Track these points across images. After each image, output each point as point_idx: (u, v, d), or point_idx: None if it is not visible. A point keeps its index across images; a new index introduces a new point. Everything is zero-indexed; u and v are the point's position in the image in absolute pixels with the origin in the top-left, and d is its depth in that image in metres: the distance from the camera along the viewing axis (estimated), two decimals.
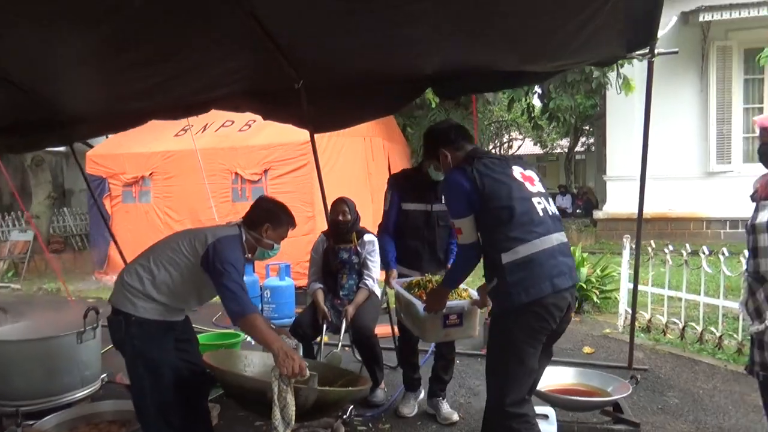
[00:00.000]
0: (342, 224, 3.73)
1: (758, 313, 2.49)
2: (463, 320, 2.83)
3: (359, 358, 3.82)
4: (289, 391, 2.28)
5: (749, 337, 2.69)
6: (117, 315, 2.50)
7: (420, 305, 2.75)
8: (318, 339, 3.71)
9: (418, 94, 3.77)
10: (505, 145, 26.35)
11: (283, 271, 6.07)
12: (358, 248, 3.75)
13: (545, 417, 2.61)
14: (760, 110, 10.31)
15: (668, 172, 9.88)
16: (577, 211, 14.33)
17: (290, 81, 3.78)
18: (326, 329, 3.67)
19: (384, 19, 3.01)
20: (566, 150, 26.02)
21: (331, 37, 3.29)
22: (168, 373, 2.50)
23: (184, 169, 8.36)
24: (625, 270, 5.19)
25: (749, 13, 9.22)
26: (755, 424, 3.18)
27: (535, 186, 2.45)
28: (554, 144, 28.85)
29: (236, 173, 8.05)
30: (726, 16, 9.51)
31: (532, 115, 12.57)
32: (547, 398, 2.83)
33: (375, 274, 3.77)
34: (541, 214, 2.37)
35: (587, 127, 20.53)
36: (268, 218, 2.68)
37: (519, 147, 28.68)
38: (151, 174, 8.60)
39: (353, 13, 2.97)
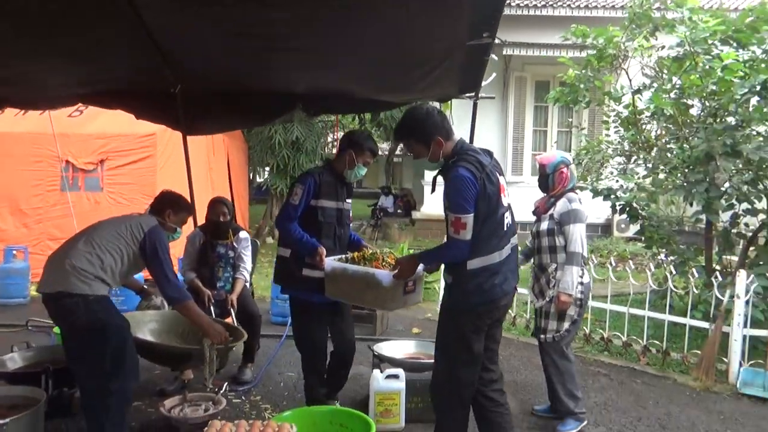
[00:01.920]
0: (222, 224, 4.12)
1: (542, 293, 3.52)
2: (416, 286, 2.95)
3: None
4: (213, 350, 3.13)
5: (535, 312, 3.72)
6: (72, 297, 2.70)
7: (385, 274, 2.83)
8: None
9: (289, 110, 4.28)
10: (329, 145, 27.39)
11: None
12: (234, 244, 4.17)
13: (396, 377, 3.35)
14: (545, 132, 12.49)
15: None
16: (398, 211, 15.70)
17: (167, 85, 4.05)
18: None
19: (264, 45, 3.49)
20: (386, 153, 27.94)
21: (212, 51, 3.65)
22: (130, 336, 2.88)
23: (1, 152, 7.70)
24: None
25: (540, 52, 11.11)
26: (538, 378, 4.28)
27: (506, 196, 2.66)
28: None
29: (67, 161, 7.64)
30: (523, 52, 11.34)
31: (363, 121, 13.56)
32: (398, 363, 3.58)
33: (249, 266, 4.23)
34: (505, 228, 2.61)
35: None
36: (170, 205, 3.17)
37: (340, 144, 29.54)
38: None
39: (237, 35, 3.40)
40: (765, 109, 4.60)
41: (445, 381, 2.72)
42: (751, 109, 4.77)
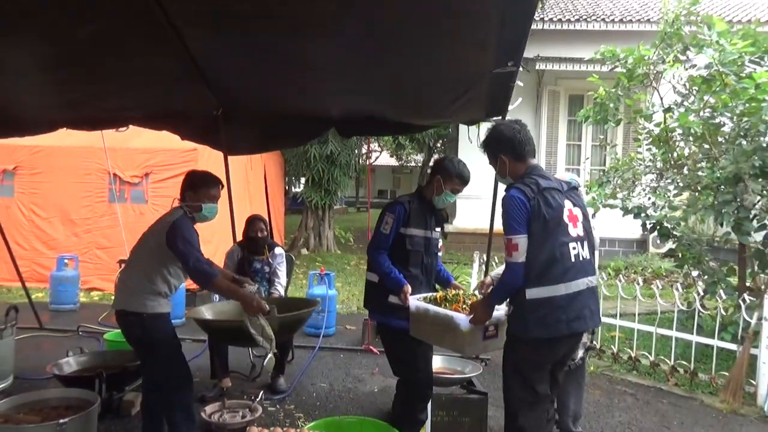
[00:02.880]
0: (260, 240, 4.35)
1: None
2: (498, 331, 2.79)
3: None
4: (262, 320, 3.09)
5: None
6: (129, 315, 2.94)
7: (462, 318, 2.70)
8: None
9: (324, 131, 4.51)
10: (363, 156, 27.80)
11: None
12: (270, 259, 4.40)
13: None
14: (578, 146, 12.47)
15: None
16: None
17: (211, 108, 4.32)
18: None
19: (300, 73, 3.73)
20: (420, 165, 28.06)
21: (252, 78, 3.91)
22: (177, 349, 3.08)
23: (53, 165, 8.17)
24: (474, 279, 6.35)
25: (573, 66, 11.13)
26: None
27: (577, 227, 2.53)
28: (409, 158, 30.88)
29: (114, 174, 8.05)
30: (556, 67, 11.39)
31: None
32: None
33: (284, 281, 4.45)
34: (573, 259, 2.46)
35: (440, 144, 22.51)
36: (189, 187, 3.15)
37: (376, 158, 30.01)
38: (15, 168, 8.26)
39: (275, 63, 3.64)
40: None
41: (506, 422, 2.63)
42: None
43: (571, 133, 12.39)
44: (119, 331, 5.04)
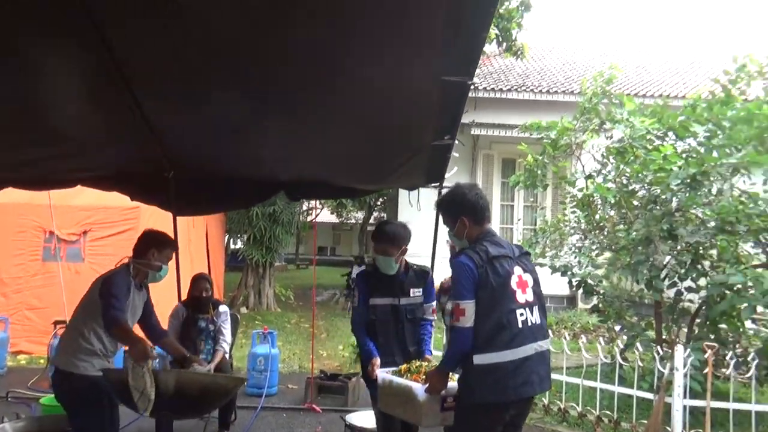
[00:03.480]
0: (205, 299, 4.44)
1: None
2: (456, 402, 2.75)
3: None
4: (147, 374, 2.76)
5: None
6: (59, 373, 2.98)
7: (419, 388, 2.72)
8: None
9: (273, 195, 4.73)
10: (304, 213, 27.99)
11: None
12: (214, 318, 4.49)
13: None
14: (511, 207, 13.16)
15: (446, 252, 11.99)
16: None
17: (162, 170, 4.47)
18: None
19: (254, 142, 3.98)
20: (360, 222, 28.52)
21: (206, 144, 4.12)
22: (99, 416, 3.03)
23: None
24: None
25: (505, 132, 11.90)
26: None
27: (526, 293, 2.59)
28: (349, 215, 31.32)
29: (51, 232, 7.89)
30: (490, 132, 12.16)
31: None
32: None
33: (229, 339, 4.53)
34: (520, 326, 2.51)
35: (380, 203, 23.06)
36: (154, 244, 3.25)
37: (316, 215, 30.18)
38: None
39: (231, 132, 3.88)
40: (696, 198, 5.18)
41: None
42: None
43: (504, 194, 13.06)
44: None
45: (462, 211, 2.76)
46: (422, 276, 3.47)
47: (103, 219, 7.93)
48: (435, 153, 3.98)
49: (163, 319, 4.72)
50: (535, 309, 2.63)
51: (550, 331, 5.83)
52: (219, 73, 3.10)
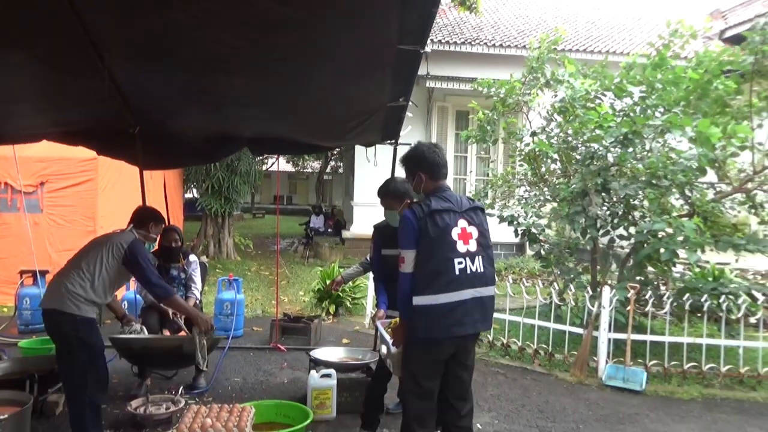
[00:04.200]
0: (175, 249, 4.70)
1: None
2: None
3: None
4: (204, 339, 3.81)
5: None
6: (62, 315, 3.21)
7: (390, 341, 3.04)
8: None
9: (237, 150, 4.95)
10: (260, 162, 27.85)
11: None
12: (185, 267, 4.76)
13: (329, 376, 4.06)
14: (465, 158, 13.61)
15: None
16: (329, 230, 16.39)
17: (128, 126, 4.62)
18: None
19: (218, 101, 4.18)
20: (317, 171, 28.65)
21: (171, 101, 4.30)
22: (101, 357, 3.36)
23: None
24: (371, 282, 7.00)
25: (459, 85, 12.21)
26: None
27: (468, 244, 2.82)
28: (306, 164, 31.34)
29: (6, 183, 7.86)
30: (445, 85, 12.43)
31: None
32: (330, 364, 4.27)
33: (199, 287, 4.83)
34: (457, 273, 2.76)
35: (336, 152, 23.18)
36: (152, 219, 3.82)
37: (272, 164, 30.04)
38: None
39: (195, 92, 4.08)
40: (627, 155, 5.69)
41: (403, 415, 2.96)
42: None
43: (458, 146, 13.45)
44: (33, 339, 5.23)
45: (420, 167, 2.98)
46: None
47: (59, 170, 7.90)
48: (390, 113, 4.29)
49: None
50: (478, 259, 2.85)
51: (497, 276, 6.38)
52: (184, 38, 3.28)
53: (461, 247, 2.81)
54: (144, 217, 3.81)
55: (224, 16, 2.95)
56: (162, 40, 3.34)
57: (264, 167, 27.35)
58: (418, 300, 2.77)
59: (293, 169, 33.50)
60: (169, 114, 4.50)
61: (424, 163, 2.98)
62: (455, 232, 2.81)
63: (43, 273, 6.65)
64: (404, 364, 2.93)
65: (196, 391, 4.50)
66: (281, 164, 31.43)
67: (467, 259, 2.81)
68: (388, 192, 3.68)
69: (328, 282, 7.62)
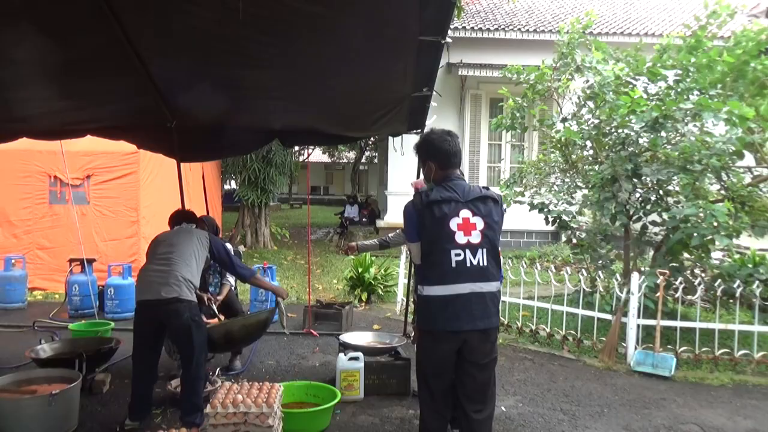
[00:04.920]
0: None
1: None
2: None
3: None
4: (282, 306, 4.27)
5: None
6: (182, 302, 3.53)
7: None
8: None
9: (268, 142, 5.13)
10: (296, 153, 28.24)
11: (126, 271, 6.80)
12: None
13: (356, 359, 4.20)
14: (499, 146, 13.55)
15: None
16: (363, 219, 16.56)
17: (165, 120, 4.84)
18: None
19: (249, 94, 4.35)
20: (353, 161, 28.84)
21: (204, 96, 4.48)
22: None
23: None
24: (402, 270, 7.13)
25: (493, 73, 12.12)
26: None
27: (471, 235, 2.68)
28: (341, 155, 31.59)
29: (55, 177, 8.27)
30: (477, 73, 12.38)
31: None
32: (358, 348, 4.42)
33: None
34: (453, 265, 2.65)
35: (371, 142, 23.33)
36: (195, 217, 4.35)
37: (309, 154, 30.13)
38: None
39: (227, 87, 4.25)
40: (657, 140, 5.62)
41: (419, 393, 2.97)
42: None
43: (492, 133, 13.39)
44: (82, 322, 5.56)
45: (429, 156, 2.89)
46: None
47: (104, 164, 8.27)
48: (415, 103, 4.37)
49: None
50: (481, 251, 2.69)
51: (533, 263, 6.37)
52: (215, 34, 3.44)
53: (460, 238, 2.67)
54: (192, 216, 4.30)
55: (253, 13, 3.08)
56: (194, 37, 3.52)
57: (300, 158, 27.80)
58: (420, 290, 2.77)
59: (329, 160, 33.83)
60: (203, 108, 4.69)
61: (433, 152, 2.89)
62: (454, 223, 2.68)
63: (91, 261, 6.99)
64: (416, 362, 2.94)
65: (231, 372, 4.71)
66: (317, 155, 31.88)
67: (467, 251, 2.67)
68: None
69: (360, 270, 7.79)
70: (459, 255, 2.66)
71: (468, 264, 2.67)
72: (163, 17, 3.34)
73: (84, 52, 3.71)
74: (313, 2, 3.02)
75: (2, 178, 8.25)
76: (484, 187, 2.87)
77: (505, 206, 2.99)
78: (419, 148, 3.01)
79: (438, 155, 2.86)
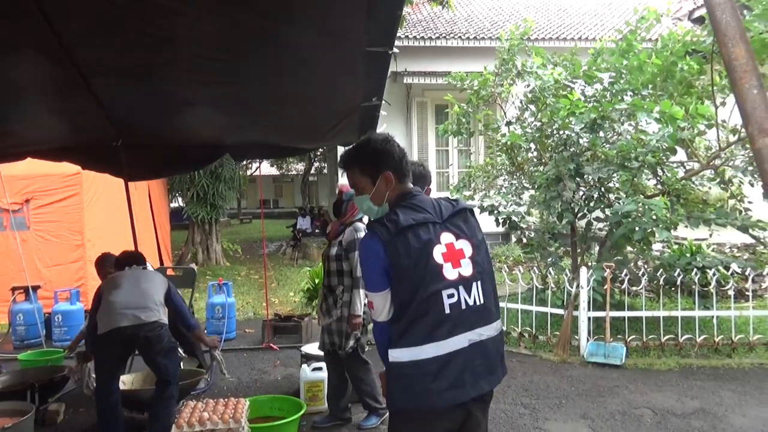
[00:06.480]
0: None
1: (329, 312, 3.86)
2: None
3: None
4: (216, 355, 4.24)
5: (322, 329, 3.97)
6: (162, 327, 3.61)
7: None
8: None
9: (218, 157, 5.08)
10: (244, 167, 27.90)
11: (74, 296, 6.56)
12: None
13: (320, 369, 4.21)
14: (446, 152, 13.80)
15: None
16: (316, 231, 16.53)
17: (111, 139, 4.73)
18: None
19: (199, 110, 4.31)
20: (302, 173, 28.70)
21: (152, 113, 4.42)
22: None
23: None
24: None
25: (437, 80, 12.36)
26: None
27: (460, 266, 1.95)
28: (290, 167, 31.42)
29: None
30: (422, 80, 12.61)
31: None
32: (320, 358, 4.39)
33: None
34: (447, 310, 1.90)
35: (320, 153, 23.32)
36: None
37: (256, 169, 29.99)
38: None
39: (175, 104, 4.21)
40: (597, 140, 5.89)
41: None
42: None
43: (438, 139, 13.62)
44: (31, 352, 5.34)
45: (383, 165, 2.06)
46: None
47: (43, 187, 7.98)
48: (365, 113, 4.43)
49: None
50: (475, 285, 1.98)
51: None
52: (161, 51, 3.41)
53: (449, 272, 1.93)
54: (142, 259, 4.16)
55: (199, 29, 3.08)
56: (139, 54, 3.47)
57: (248, 172, 27.45)
58: (394, 354, 1.92)
59: (278, 173, 33.54)
60: (151, 126, 4.61)
61: (385, 158, 2.07)
62: (438, 252, 1.93)
63: (35, 288, 6.72)
64: None
65: (193, 392, 4.63)
66: (266, 168, 31.57)
67: (460, 288, 1.94)
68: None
69: (317, 281, 7.76)
70: (452, 296, 1.93)
71: (464, 306, 1.95)
72: (105, 35, 3.28)
73: (21, 71, 3.60)
74: (260, 16, 3.04)
75: None
76: (452, 199, 2.13)
77: None
78: (368, 156, 2.11)
79: (392, 161, 2.08)
